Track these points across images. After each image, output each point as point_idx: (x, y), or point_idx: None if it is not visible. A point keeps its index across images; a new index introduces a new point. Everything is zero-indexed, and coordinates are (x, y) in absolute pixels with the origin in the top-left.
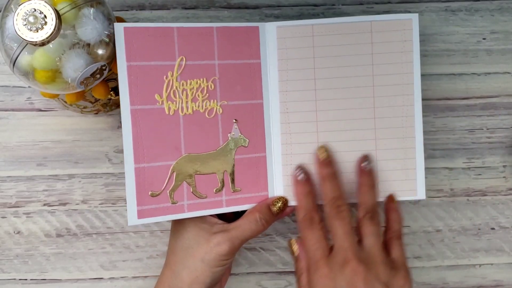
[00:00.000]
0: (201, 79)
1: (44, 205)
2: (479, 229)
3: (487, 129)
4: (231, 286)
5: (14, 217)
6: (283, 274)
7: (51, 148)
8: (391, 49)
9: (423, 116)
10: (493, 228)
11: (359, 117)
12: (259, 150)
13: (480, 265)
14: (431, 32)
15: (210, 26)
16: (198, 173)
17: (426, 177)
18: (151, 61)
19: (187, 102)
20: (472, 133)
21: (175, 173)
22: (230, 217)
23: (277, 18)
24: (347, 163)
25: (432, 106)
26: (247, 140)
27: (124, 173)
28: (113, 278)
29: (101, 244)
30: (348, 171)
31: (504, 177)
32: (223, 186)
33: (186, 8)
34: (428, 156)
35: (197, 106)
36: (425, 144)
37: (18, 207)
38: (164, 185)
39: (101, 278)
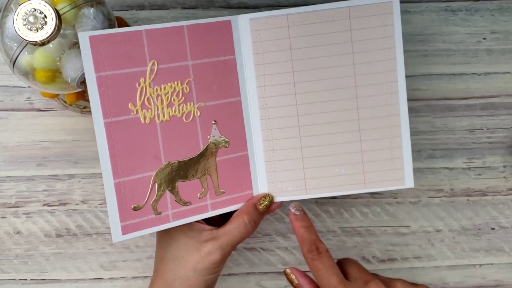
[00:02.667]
0: (176, 82)
1: (44, 205)
2: (479, 229)
3: (487, 129)
4: (231, 286)
5: (14, 217)
6: (283, 274)
7: (51, 148)
8: (371, 35)
9: (423, 116)
10: (493, 228)
11: (342, 108)
12: (241, 149)
13: (480, 265)
14: (431, 32)
15: (180, 25)
16: (180, 180)
17: (426, 177)
18: (121, 69)
19: (162, 108)
20: (472, 133)
21: (156, 183)
22: (216, 219)
23: None
24: (331, 156)
25: (432, 106)
26: (228, 141)
27: None
28: (113, 278)
29: (101, 244)
30: (331, 164)
31: (504, 177)
32: (206, 190)
33: (185, 8)
34: (428, 156)
35: (173, 111)
36: (425, 144)
37: (18, 207)
38: (147, 197)
39: (101, 278)
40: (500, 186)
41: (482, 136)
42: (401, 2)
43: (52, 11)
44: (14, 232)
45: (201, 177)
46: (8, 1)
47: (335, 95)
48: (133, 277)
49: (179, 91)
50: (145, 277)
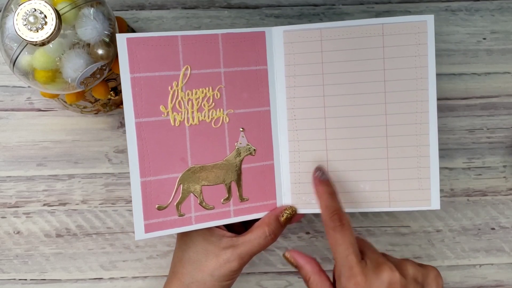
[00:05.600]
0: (207, 88)
1: (44, 205)
2: (479, 229)
3: (487, 129)
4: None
5: (14, 217)
6: (283, 274)
7: (51, 148)
8: (404, 53)
9: None
10: (493, 228)
11: (370, 124)
12: (267, 158)
13: (480, 265)
14: None
15: (215, 33)
16: (205, 184)
17: None
18: (155, 72)
19: (192, 112)
20: (472, 133)
21: (182, 185)
22: (237, 224)
23: (277, 18)
24: (357, 171)
25: None
26: (255, 149)
27: (124, 173)
28: (113, 278)
29: (101, 244)
30: (356, 180)
31: (504, 177)
32: (230, 196)
33: (186, 8)
34: None
35: (203, 116)
36: None
37: (18, 207)
38: (171, 198)
39: (101, 278)
40: (500, 186)
41: (482, 136)
42: (401, 2)
43: (52, 11)
44: (14, 232)
45: (225, 182)
46: (8, 1)
47: (364, 111)
48: (133, 277)
49: (209, 97)
50: (145, 277)
